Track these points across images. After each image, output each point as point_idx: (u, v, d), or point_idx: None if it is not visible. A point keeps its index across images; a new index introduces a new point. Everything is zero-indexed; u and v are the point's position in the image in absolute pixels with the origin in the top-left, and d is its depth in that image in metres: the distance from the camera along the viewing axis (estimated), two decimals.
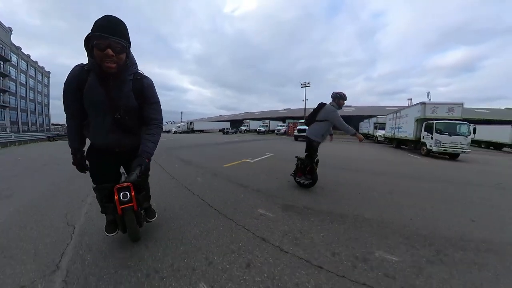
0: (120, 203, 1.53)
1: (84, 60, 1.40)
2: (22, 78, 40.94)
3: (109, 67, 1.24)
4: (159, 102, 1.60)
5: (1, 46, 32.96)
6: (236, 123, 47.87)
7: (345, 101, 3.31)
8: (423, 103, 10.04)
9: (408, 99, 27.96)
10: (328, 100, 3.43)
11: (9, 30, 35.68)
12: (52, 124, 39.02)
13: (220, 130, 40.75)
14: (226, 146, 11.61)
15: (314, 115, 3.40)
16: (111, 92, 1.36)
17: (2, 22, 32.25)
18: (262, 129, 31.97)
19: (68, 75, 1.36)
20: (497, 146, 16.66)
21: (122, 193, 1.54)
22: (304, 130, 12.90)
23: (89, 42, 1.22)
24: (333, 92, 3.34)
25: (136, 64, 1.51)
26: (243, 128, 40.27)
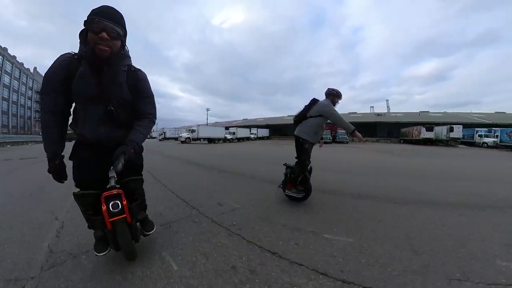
0: (109, 215, 1.25)
1: None
2: None
3: (102, 50, 1.17)
4: (153, 96, 1.53)
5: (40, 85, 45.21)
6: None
7: (339, 100, 2.91)
8: None
9: (370, 106, 29.29)
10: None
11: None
12: None
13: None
14: None
15: (306, 112, 2.92)
16: (103, 82, 1.27)
17: None
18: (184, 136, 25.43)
19: (54, 63, 1.23)
20: None
21: (112, 202, 1.27)
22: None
23: (84, 30, 1.20)
24: (328, 88, 2.91)
25: (130, 57, 1.44)
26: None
